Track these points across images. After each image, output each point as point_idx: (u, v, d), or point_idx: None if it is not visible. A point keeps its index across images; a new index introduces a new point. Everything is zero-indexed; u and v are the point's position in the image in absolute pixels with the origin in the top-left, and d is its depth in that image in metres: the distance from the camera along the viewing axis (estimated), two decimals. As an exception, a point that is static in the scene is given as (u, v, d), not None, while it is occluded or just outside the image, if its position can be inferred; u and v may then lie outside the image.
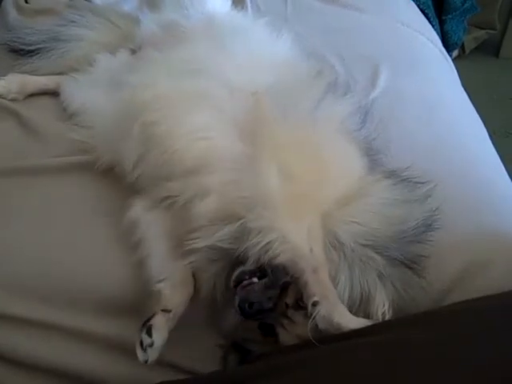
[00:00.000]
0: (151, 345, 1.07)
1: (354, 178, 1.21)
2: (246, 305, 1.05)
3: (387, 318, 1.08)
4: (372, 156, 1.30)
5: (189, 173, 1.22)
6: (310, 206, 1.14)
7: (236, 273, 1.07)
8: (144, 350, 1.07)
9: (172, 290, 1.15)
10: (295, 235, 1.09)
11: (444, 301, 1.19)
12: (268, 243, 1.07)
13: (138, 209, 1.27)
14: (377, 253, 1.11)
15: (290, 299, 1.09)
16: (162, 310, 1.11)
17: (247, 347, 1.15)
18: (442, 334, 0.94)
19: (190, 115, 1.28)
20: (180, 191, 1.21)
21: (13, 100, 1.65)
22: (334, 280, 1.09)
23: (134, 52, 1.62)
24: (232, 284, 1.08)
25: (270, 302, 1.07)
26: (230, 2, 1.67)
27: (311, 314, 1.04)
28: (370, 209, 1.16)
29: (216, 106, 1.29)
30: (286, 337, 1.10)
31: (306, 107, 1.28)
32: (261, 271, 1.08)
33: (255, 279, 1.07)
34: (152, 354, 1.07)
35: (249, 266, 1.08)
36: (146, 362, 1.07)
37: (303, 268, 1.07)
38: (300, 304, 1.08)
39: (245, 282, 1.07)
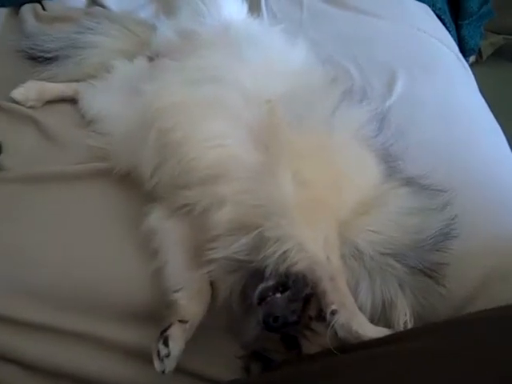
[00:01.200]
0: (168, 355, 1.08)
1: (370, 186, 1.21)
2: (271, 319, 1.04)
3: (409, 326, 1.07)
4: (390, 163, 1.29)
5: (205, 181, 1.22)
6: (326, 213, 1.14)
7: (259, 289, 1.07)
8: (161, 360, 1.08)
9: (189, 301, 1.16)
10: (312, 243, 1.09)
11: (465, 308, 1.19)
12: (285, 252, 1.07)
13: (156, 217, 1.28)
14: (396, 261, 1.11)
15: (313, 311, 1.09)
16: (179, 321, 1.12)
17: (268, 356, 1.15)
18: (463, 343, 0.93)
19: (206, 123, 1.28)
20: (196, 199, 1.22)
21: (31, 107, 1.66)
22: (356, 289, 1.09)
23: (151, 59, 1.62)
24: (256, 301, 1.07)
25: (294, 315, 1.07)
26: (246, 10, 1.67)
27: (330, 323, 1.04)
28: (387, 217, 1.16)
29: (232, 113, 1.29)
30: (310, 348, 1.10)
31: (322, 114, 1.28)
32: (283, 285, 1.07)
33: (278, 294, 1.06)
34: (169, 365, 1.08)
35: (270, 281, 1.07)
36: (163, 372, 1.08)
37: (321, 276, 1.07)
38: (323, 315, 1.07)
39: (268, 299, 1.06)
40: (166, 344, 1.08)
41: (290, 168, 1.17)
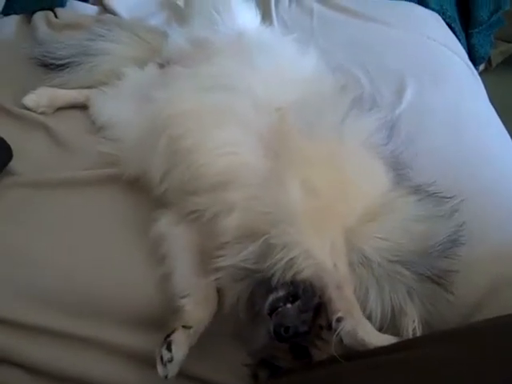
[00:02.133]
0: (171, 360, 1.08)
1: (378, 194, 1.21)
2: (282, 329, 1.04)
3: (418, 333, 1.07)
4: (398, 171, 1.29)
5: (214, 187, 1.23)
6: (334, 221, 1.14)
7: (269, 300, 1.07)
8: (164, 365, 1.08)
9: (194, 307, 1.16)
10: (319, 250, 1.09)
11: (473, 316, 1.19)
12: (292, 259, 1.07)
13: (165, 223, 1.28)
14: (405, 268, 1.11)
15: (323, 321, 1.09)
16: (183, 326, 1.12)
17: (276, 364, 1.14)
18: (472, 351, 0.92)
19: (216, 130, 1.29)
20: (205, 206, 1.22)
21: (42, 113, 1.67)
22: (365, 296, 1.09)
23: (162, 66, 1.63)
24: (266, 312, 1.07)
25: (305, 325, 1.06)
26: (259, 19, 1.67)
27: (335, 330, 1.04)
28: (395, 224, 1.16)
29: (242, 121, 1.29)
30: (320, 357, 1.09)
31: (332, 122, 1.29)
32: (293, 296, 1.07)
33: (289, 305, 1.06)
34: (172, 369, 1.09)
35: (280, 291, 1.07)
36: (166, 377, 1.09)
37: (327, 283, 1.07)
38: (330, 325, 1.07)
39: (279, 310, 1.06)
40: (169, 349, 1.09)
41: (299, 175, 1.17)
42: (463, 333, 1.02)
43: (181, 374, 1.13)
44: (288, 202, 1.14)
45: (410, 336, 1.07)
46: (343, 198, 1.17)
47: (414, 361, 0.94)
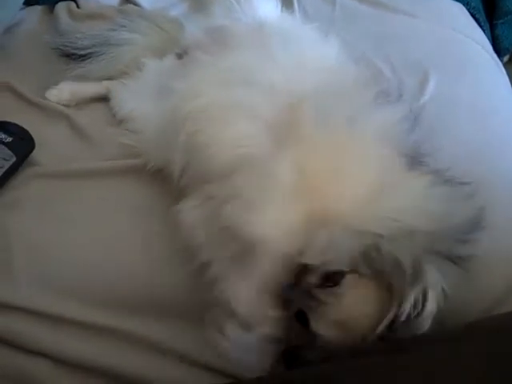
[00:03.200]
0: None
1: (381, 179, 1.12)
2: None
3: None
4: (419, 162, 1.26)
5: (226, 175, 1.21)
6: (316, 200, 1.08)
7: None
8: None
9: None
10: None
11: (495, 310, 1.18)
12: None
13: (186, 210, 1.27)
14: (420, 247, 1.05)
15: (313, 278, 1.03)
16: None
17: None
18: (494, 346, 0.91)
19: (233, 124, 1.27)
20: (216, 192, 1.20)
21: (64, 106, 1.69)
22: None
23: (180, 56, 1.62)
24: None
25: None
26: (279, 8, 1.65)
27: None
28: (407, 204, 1.09)
29: (259, 114, 1.27)
30: (320, 324, 1.03)
31: (351, 114, 1.25)
32: None
33: None
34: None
35: None
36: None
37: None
38: (327, 283, 1.02)
39: None
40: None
41: (295, 156, 1.12)
42: (484, 327, 1.01)
43: (196, 364, 1.15)
44: (275, 173, 1.11)
45: None
46: (334, 182, 1.10)
47: (438, 356, 0.93)
